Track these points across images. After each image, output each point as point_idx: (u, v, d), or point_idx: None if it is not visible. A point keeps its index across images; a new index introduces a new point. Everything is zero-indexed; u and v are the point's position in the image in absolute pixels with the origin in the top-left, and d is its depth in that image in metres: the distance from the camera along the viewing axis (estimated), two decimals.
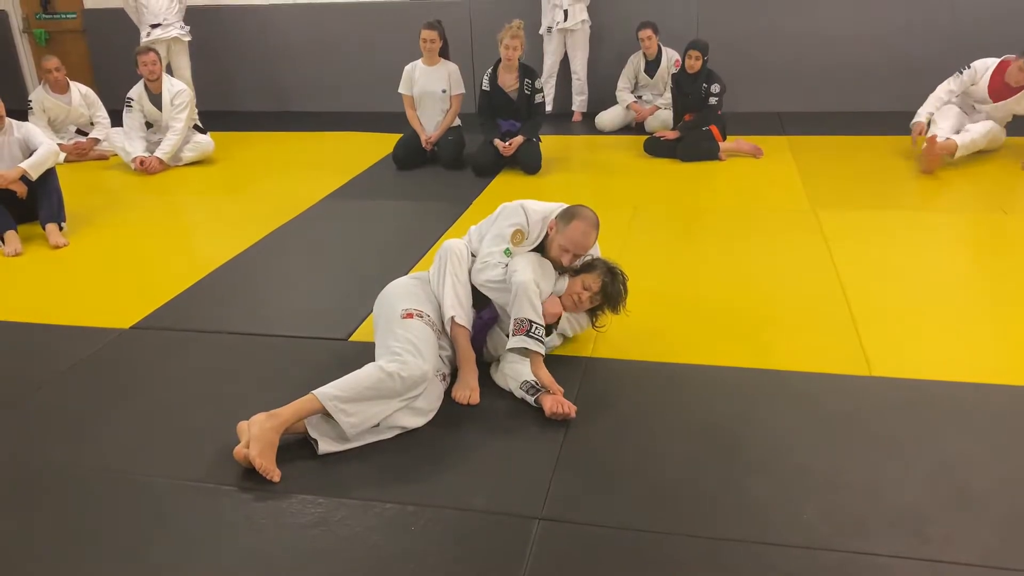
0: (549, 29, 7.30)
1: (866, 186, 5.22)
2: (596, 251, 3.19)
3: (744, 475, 2.42)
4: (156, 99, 6.16)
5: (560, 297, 3.02)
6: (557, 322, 3.05)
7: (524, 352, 2.82)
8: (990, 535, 2.14)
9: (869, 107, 7.29)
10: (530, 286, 2.83)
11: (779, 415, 2.73)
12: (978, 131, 5.48)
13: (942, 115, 5.69)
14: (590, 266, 3.05)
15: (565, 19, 7.18)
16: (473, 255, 3.07)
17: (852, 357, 3.08)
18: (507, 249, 2.98)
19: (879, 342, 3.18)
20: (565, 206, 3.07)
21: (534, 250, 3.05)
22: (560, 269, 3.05)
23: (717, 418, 2.72)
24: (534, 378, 2.81)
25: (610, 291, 3.00)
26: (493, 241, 3.03)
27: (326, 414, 2.53)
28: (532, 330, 2.81)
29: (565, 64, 7.51)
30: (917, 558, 2.07)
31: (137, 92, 6.16)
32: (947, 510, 2.24)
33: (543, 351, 2.83)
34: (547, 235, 3.03)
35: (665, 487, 2.39)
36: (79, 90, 6.65)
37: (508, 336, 2.86)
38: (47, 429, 2.79)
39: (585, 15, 7.23)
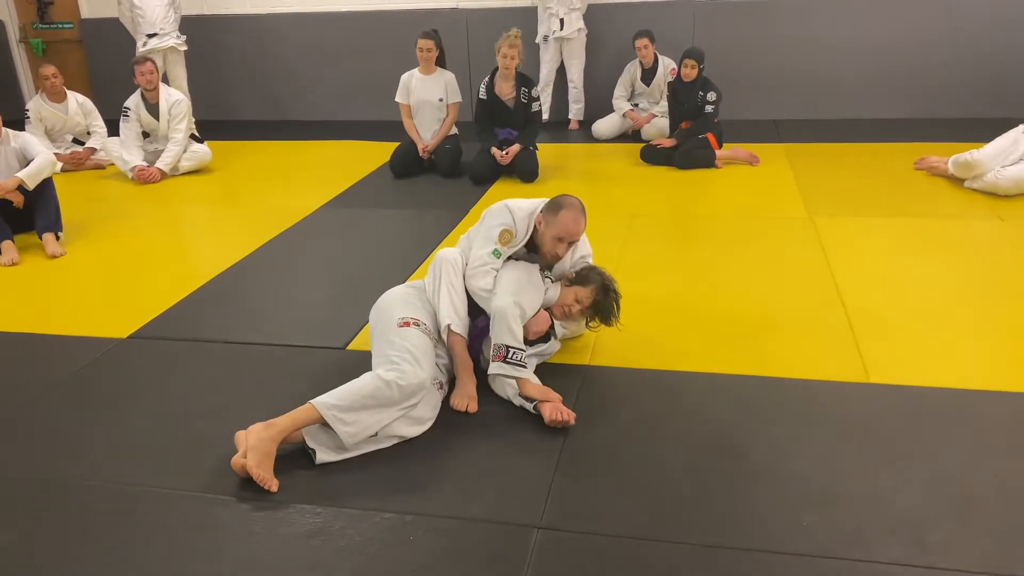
0: (545, 38, 7.32)
1: (863, 193, 5.23)
2: (588, 252, 3.19)
3: (743, 483, 2.42)
4: (153, 109, 6.16)
5: (551, 307, 3.03)
6: (552, 324, 3.06)
7: (508, 376, 2.84)
8: (989, 542, 2.14)
9: (865, 114, 7.31)
10: (509, 310, 2.83)
11: (777, 422, 2.73)
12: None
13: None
14: (585, 278, 3.06)
15: (561, 28, 7.21)
16: (466, 262, 3.08)
17: (850, 364, 3.09)
18: (496, 250, 2.99)
19: (877, 349, 3.18)
20: (548, 200, 3.08)
21: (525, 247, 3.06)
22: (550, 269, 3.06)
23: (716, 425, 2.72)
24: None
25: (601, 307, 3.02)
26: (482, 243, 3.04)
27: (324, 423, 2.53)
28: (510, 355, 2.82)
29: (562, 73, 7.53)
30: (916, 565, 2.07)
31: (134, 102, 6.16)
32: (946, 517, 2.24)
33: (524, 375, 2.84)
34: (536, 230, 3.04)
35: (664, 495, 2.38)
36: (76, 99, 6.66)
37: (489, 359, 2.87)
38: (44, 439, 2.78)
39: (581, 24, 7.26)
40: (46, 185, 4.72)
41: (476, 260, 3.01)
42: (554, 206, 3.01)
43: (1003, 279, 3.84)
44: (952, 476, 2.41)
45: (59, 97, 6.57)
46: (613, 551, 2.16)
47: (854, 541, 2.15)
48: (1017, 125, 5.18)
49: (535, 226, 3.04)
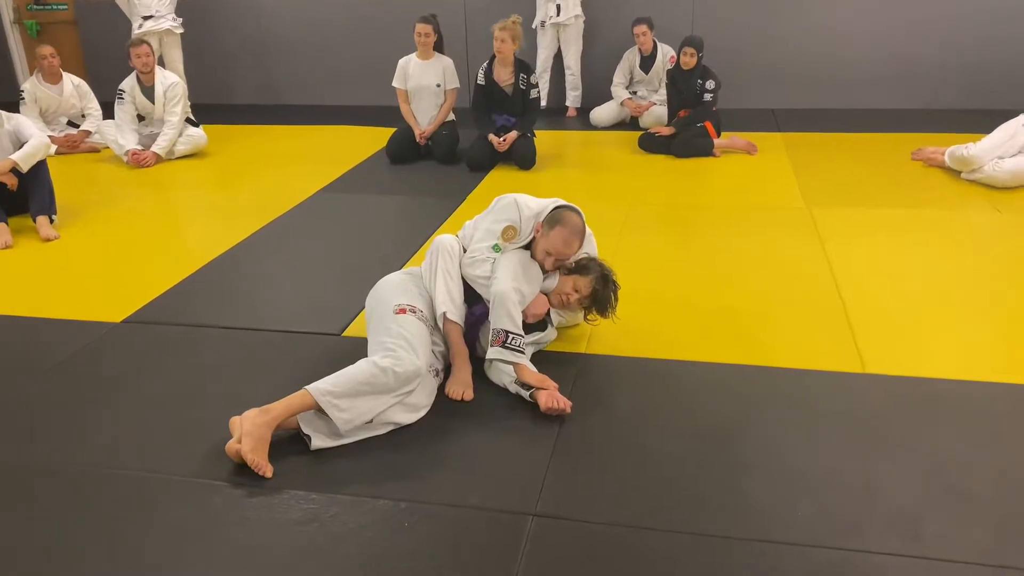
0: (542, 23, 7.28)
1: (860, 183, 5.22)
2: (593, 249, 3.18)
3: (739, 472, 2.42)
4: (149, 92, 6.12)
5: (549, 295, 3.02)
6: (548, 312, 3.05)
7: (505, 361, 2.82)
8: (984, 533, 2.14)
9: (864, 104, 7.30)
10: (508, 295, 2.82)
11: (773, 412, 2.73)
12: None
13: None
14: (585, 268, 3.04)
15: (558, 14, 7.16)
16: (465, 249, 3.06)
17: (846, 354, 3.08)
18: (496, 245, 2.98)
19: (873, 339, 3.18)
20: (559, 202, 3.06)
21: (524, 247, 3.04)
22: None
23: (711, 415, 2.72)
24: None
25: (600, 297, 3.01)
26: (483, 236, 3.02)
27: (319, 410, 2.52)
28: (509, 340, 2.81)
29: (559, 59, 7.49)
30: (912, 556, 2.07)
31: (129, 84, 6.12)
32: (941, 508, 2.24)
33: (522, 361, 2.83)
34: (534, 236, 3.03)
35: (659, 484, 2.38)
36: (72, 81, 6.61)
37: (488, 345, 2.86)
38: (38, 424, 2.77)
39: (578, 10, 7.21)
40: (40, 168, 4.69)
41: (475, 251, 2.99)
42: (552, 220, 2.97)
43: (1000, 271, 3.84)
44: (948, 467, 2.41)
45: (55, 78, 6.52)
46: (607, 539, 2.16)
47: (850, 532, 2.15)
48: (1015, 116, 5.17)
49: (534, 233, 3.02)
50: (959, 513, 2.22)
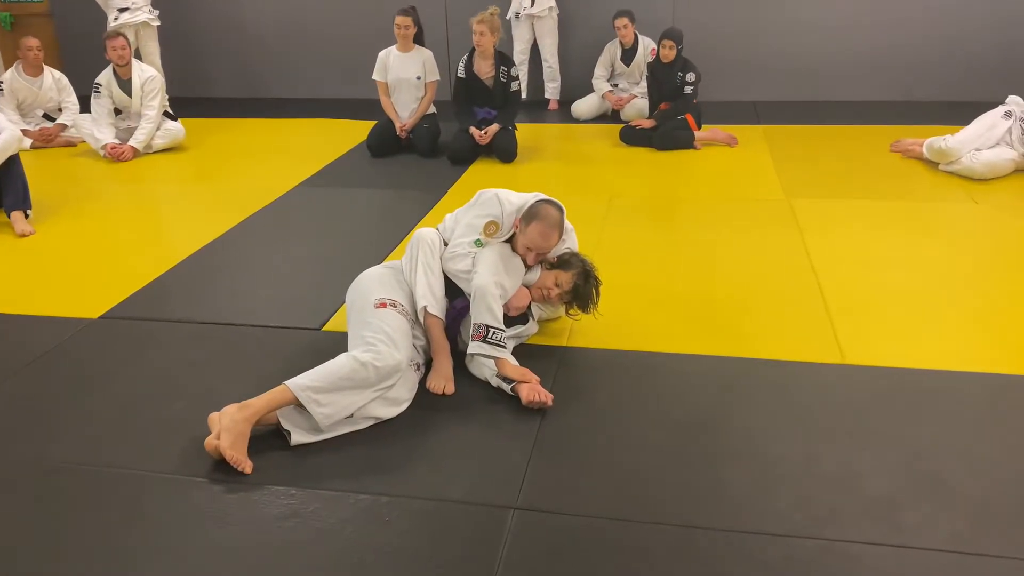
0: (517, 15, 7.25)
1: (840, 175, 5.25)
2: (574, 243, 3.18)
3: (718, 463, 2.43)
4: (125, 85, 6.05)
5: (530, 288, 3.02)
6: (529, 305, 3.05)
7: (486, 356, 2.82)
8: (961, 521, 2.16)
9: (843, 96, 7.33)
10: (489, 289, 2.82)
11: (753, 403, 2.74)
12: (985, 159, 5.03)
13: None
14: (566, 263, 3.04)
15: (532, 5, 7.13)
16: (447, 243, 3.05)
17: (825, 345, 3.10)
18: (478, 240, 2.97)
19: (852, 330, 3.20)
20: (540, 196, 3.06)
21: (506, 241, 3.04)
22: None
23: (692, 407, 2.73)
24: None
25: (581, 292, 3.01)
26: (465, 231, 3.01)
27: (299, 405, 2.51)
28: (489, 335, 2.80)
29: (538, 51, 7.47)
30: (889, 544, 2.09)
31: (105, 78, 6.05)
32: (919, 497, 2.26)
33: (503, 355, 2.82)
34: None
35: (640, 476, 2.39)
36: (52, 75, 6.54)
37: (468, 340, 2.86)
38: (14, 421, 2.74)
39: (552, 2, 7.18)
40: (13, 162, 4.62)
41: (457, 246, 2.99)
42: (530, 215, 2.97)
43: (977, 262, 3.88)
44: (926, 457, 2.43)
45: (36, 71, 6.45)
46: (589, 532, 2.17)
47: (828, 521, 2.17)
48: (993, 108, 5.21)
49: (514, 228, 3.02)
50: (937, 502, 2.24)
